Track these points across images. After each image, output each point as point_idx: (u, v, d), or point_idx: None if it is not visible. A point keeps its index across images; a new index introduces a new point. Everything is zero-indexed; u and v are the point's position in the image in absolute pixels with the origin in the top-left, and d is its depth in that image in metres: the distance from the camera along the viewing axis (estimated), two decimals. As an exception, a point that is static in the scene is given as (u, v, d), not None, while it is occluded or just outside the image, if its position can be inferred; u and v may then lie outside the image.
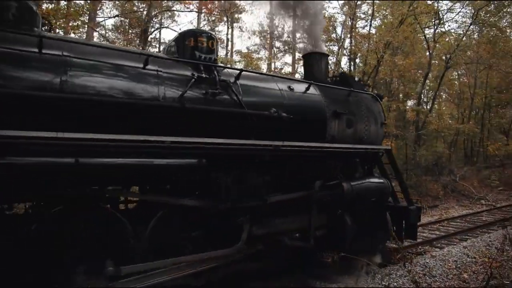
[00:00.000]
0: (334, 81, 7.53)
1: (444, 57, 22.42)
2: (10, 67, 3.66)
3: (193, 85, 4.82)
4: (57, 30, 12.16)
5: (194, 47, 5.35)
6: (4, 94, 3.46)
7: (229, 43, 23.15)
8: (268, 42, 23.63)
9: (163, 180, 4.93)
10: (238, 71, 5.46)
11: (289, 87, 5.99)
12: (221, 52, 22.83)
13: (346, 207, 6.27)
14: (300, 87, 6.19)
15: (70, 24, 13.02)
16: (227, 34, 22.62)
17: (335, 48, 20.43)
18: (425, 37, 21.22)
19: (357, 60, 20.84)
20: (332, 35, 19.99)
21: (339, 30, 21.17)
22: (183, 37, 5.47)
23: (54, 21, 10.99)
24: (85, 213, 4.15)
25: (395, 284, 6.03)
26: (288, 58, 24.90)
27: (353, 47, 19.39)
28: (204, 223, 5.03)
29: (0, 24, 3.86)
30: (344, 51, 20.70)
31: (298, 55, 21.82)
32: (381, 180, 6.83)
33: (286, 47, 23.27)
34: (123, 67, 4.41)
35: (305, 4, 7.71)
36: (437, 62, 23.25)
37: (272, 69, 22.01)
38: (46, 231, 3.87)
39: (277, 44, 24.30)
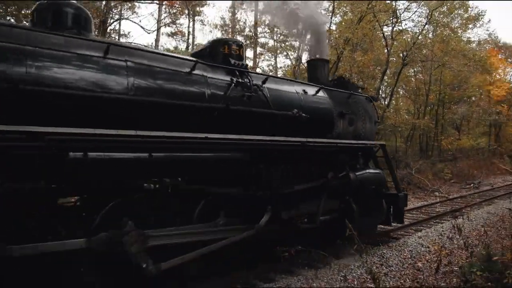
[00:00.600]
0: (333, 84, 8.29)
1: (401, 55, 23.07)
2: (80, 69, 4.15)
3: (232, 89, 5.62)
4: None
5: (228, 54, 6.15)
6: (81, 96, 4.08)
7: (190, 36, 22.84)
8: (230, 36, 23.47)
9: (214, 172, 5.38)
10: (266, 76, 6.51)
11: (303, 90, 6.92)
12: (182, 46, 22.46)
13: (352, 194, 7.23)
14: (311, 90, 7.13)
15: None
16: (188, 27, 22.31)
17: (296, 44, 20.58)
18: (383, 34, 21.75)
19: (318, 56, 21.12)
20: (293, 30, 20.10)
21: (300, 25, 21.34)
22: (217, 44, 6.27)
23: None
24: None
25: (354, 274, 6.15)
26: (249, 53, 24.85)
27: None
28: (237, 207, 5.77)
29: (60, 30, 4.37)
30: (306, 47, 20.90)
31: (260, 49, 21.85)
32: (378, 171, 8.02)
33: (248, 42, 23.20)
34: (178, 72, 5.09)
35: (310, 19, 8.65)
36: (394, 59, 23.88)
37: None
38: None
39: (239, 38, 24.21)
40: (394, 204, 8.14)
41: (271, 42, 22.92)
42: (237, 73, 5.94)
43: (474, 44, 29.70)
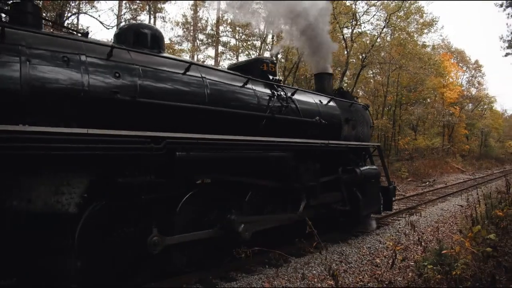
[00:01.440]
0: (335, 94, 9.61)
1: (360, 56, 23.59)
2: (174, 84, 5.39)
3: (274, 100, 6.95)
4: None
5: (266, 71, 7.56)
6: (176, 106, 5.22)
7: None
8: (191, 34, 23.19)
9: (270, 168, 6.66)
10: (294, 89, 7.82)
11: (319, 100, 8.35)
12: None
13: (357, 186, 8.48)
14: (324, 100, 8.52)
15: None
16: (149, 23, 21.83)
17: (258, 43, 20.62)
18: (343, 36, 22.18)
19: (279, 56, 21.24)
20: (255, 30, 20.14)
21: (262, 25, 21.42)
22: (256, 62, 7.72)
23: None
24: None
25: (314, 272, 6.20)
26: (211, 51, 24.63)
27: (275, 43, 19.73)
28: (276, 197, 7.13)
29: (141, 49, 5.45)
30: (267, 47, 20.98)
31: (221, 48, 21.71)
32: (375, 167, 9.51)
33: (210, 40, 23.01)
34: (235, 86, 6.35)
35: (316, 33, 9.79)
36: (354, 60, 24.41)
37: (195, 61, 21.71)
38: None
39: (201, 36, 23.98)
40: (385, 195, 9.61)
41: (233, 41, 22.87)
42: (275, 87, 7.31)
43: (429, 48, 30.79)
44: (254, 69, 7.40)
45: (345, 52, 22.41)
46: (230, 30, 21.34)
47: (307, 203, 7.44)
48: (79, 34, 5.33)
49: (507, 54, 33.88)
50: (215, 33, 21.91)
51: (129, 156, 4.62)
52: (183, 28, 23.97)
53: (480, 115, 46.99)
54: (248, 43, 20.15)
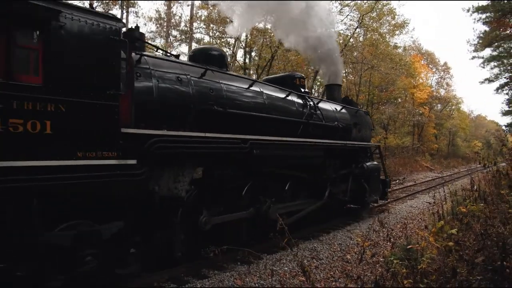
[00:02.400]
0: (343, 101, 11.37)
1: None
2: (242, 97, 7.04)
3: (307, 109, 8.68)
4: None
5: (299, 85, 9.39)
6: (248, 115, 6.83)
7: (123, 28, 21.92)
8: (164, 30, 22.86)
9: (304, 162, 8.35)
10: (319, 100, 9.76)
11: (335, 108, 10.19)
12: (115, 38, 21.53)
13: (364, 178, 10.42)
14: (338, 107, 10.40)
15: None
16: (121, 18, 21.38)
17: (232, 40, 20.55)
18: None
19: (253, 54, 21.25)
20: (229, 27, 20.06)
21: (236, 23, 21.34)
22: (290, 77, 9.56)
23: None
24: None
25: (286, 268, 6.25)
26: (184, 48, 24.34)
27: (249, 40, 19.71)
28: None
29: (211, 67, 6.57)
30: (241, 44, 20.94)
31: (194, 45, 21.49)
32: (376, 163, 11.40)
33: (183, 36, 22.76)
34: (280, 98, 8.05)
35: (327, 48, 11.71)
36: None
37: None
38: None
39: (174, 32, 23.67)
40: (383, 186, 11.45)
41: (206, 38, 22.71)
42: (306, 98, 8.99)
43: (400, 50, 31.47)
44: (288, 82, 9.14)
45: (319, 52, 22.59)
46: (204, 27, 21.19)
47: (330, 191, 9.30)
48: (173, 56, 6.79)
49: (473, 57, 34.99)
50: (188, 29, 21.71)
51: (224, 153, 6.13)
52: (156, 24, 23.65)
53: (448, 116, 48.39)
54: (222, 40, 20.04)
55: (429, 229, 4.73)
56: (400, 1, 47.61)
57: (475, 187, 6.11)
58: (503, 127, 34.73)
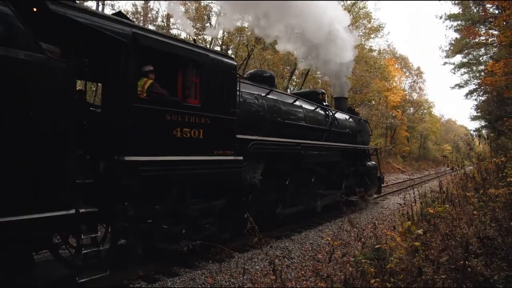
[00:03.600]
0: (347, 110, 13.64)
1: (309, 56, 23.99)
2: (292, 109, 9.43)
3: (328, 119, 11.00)
4: None
5: (321, 99, 11.67)
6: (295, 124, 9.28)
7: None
8: (141, 24, 22.48)
9: (328, 161, 10.53)
10: (335, 111, 11.99)
11: (345, 117, 12.50)
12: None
13: (366, 175, 12.91)
14: (347, 117, 12.79)
15: None
16: (96, 9, 20.90)
17: (209, 38, 20.44)
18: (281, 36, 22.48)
19: (229, 52, 21.17)
20: (206, 25, 19.94)
21: (213, 20, 21.27)
22: (314, 92, 11.91)
23: None
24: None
25: (257, 267, 6.26)
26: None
27: (225, 38, 19.64)
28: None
29: (267, 85, 8.94)
30: (217, 42, 20.84)
31: (172, 41, 21.19)
32: (374, 163, 13.86)
33: (160, 32, 22.42)
34: (312, 110, 10.50)
35: (341, 66, 13.86)
36: (303, 60, 24.83)
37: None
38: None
39: (151, 27, 23.26)
40: (378, 182, 13.93)
41: (183, 34, 22.48)
42: (327, 109, 11.35)
43: (375, 53, 31.98)
44: (313, 97, 11.40)
45: (295, 52, 22.73)
46: (181, 23, 20.96)
47: (345, 184, 11.69)
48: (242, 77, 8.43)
49: (445, 63, 35.91)
50: (165, 25, 21.44)
51: (285, 153, 8.33)
52: (133, 18, 23.25)
53: (420, 119, 49.48)
54: (199, 37, 19.87)
55: (397, 229, 4.83)
56: (378, 0, 48.46)
57: (443, 189, 6.27)
58: (472, 132, 35.80)
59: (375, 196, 14.60)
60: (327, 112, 11.13)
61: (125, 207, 4.92)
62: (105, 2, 21.43)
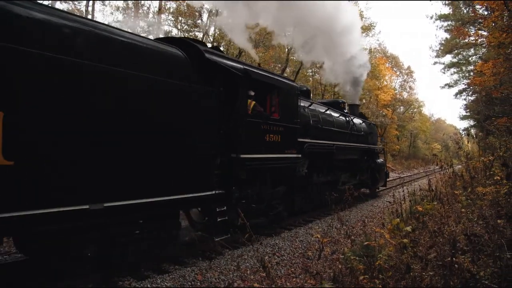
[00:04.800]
0: (359, 115, 15.58)
1: (300, 55, 24.03)
2: (326, 117, 11.42)
3: (349, 123, 12.95)
4: None
5: (343, 107, 13.68)
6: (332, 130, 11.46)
7: (89, 16, 21.22)
8: (132, 20, 22.26)
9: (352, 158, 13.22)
10: (353, 116, 14.03)
11: (360, 122, 14.36)
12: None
13: (376, 170, 14.97)
14: (361, 121, 14.71)
15: None
16: (87, 6, 20.70)
17: (200, 35, 20.35)
18: (285, 34, 22.50)
19: (221, 49, 21.11)
20: (198, 22, 19.87)
21: (205, 16, 21.19)
22: (337, 101, 13.97)
23: None
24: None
25: (247, 264, 6.27)
26: (152, 40, 23.71)
27: (217, 35, 19.57)
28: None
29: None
30: (209, 38, 20.77)
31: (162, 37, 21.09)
32: (382, 160, 16.41)
33: (151, 28, 22.23)
34: (338, 117, 12.50)
35: (352, 73, 16.29)
36: (294, 58, 24.87)
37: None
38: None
39: (142, 23, 23.07)
40: (385, 177, 16.49)
41: (174, 31, 22.34)
42: (347, 115, 13.39)
43: (366, 52, 32.08)
44: (336, 105, 13.35)
45: (286, 50, 22.78)
46: (173, 19, 20.87)
47: (359, 177, 13.88)
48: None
49: (435, 63, 36.20)
50: (156, 21, 21.30)
51: (323, 152, 10.55)
52: (123, 14, 23.08)
53: (410, 118, 49.85)
54: (191, 34, 19.79)
55: (386, 226, 4.87)
56: (369, 0, 48.66)
57: (432, 187, 6.34)
58: (460, 131, 36.15)
59: (382, 188, 17.00)
60: (347, 118, 13.24)
61: (233, 191, 6.94)
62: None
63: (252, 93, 7.31)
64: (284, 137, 8.03)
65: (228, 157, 6.71)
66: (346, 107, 14.49)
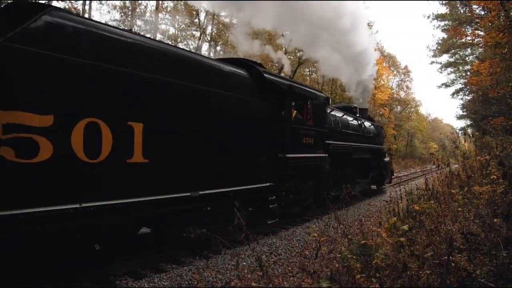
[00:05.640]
0: (368, 118, 16.90)
1: (298, 54, 24.07)
2: (346, 121, 13.38)
3: (361, 126, 14.58)
4: None
5: (356, 112, 15.55)
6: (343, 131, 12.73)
7: (86, 14, 21.15)
8: (129, 19, 22.21)
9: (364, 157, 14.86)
10: (364, 120, 15.45)
11: (369, 124, 15.65)
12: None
13: (383, 168, 16.28)
14: (369, 124, 15.94)
15: None
16: (83, 4, 20.62)
17: (197, 34, 20.32)
18: (282, 34, 22.53)
19: (218, 48, 21.10)
20: (195, 20, 19.83)
21: (202, 16, 21.14)
22: (351, 108, 15.34)
23: None
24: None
25: (244, 263, 6.27)
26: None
27: (214, 34, 19.54)
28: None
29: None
30: (206, 37, 20.75)
31: (160, 36, 21.06)
32: (388, 159, 17.70)
33: (148, 27, 22.20)
34: (352, 120, 14.06)
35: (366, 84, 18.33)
36: (292, 57, 24.87)
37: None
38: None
39: (139, 22, 23.05)
40: (391, 174, 18.32)
41: (172, 30, 22.33)
42: (359, 119, 14.75)
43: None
44: (349, 110, 14.82)
45: (283, 49, 22.76)
46: (170, 18, 20.83)
47: (371, 173, 15.40)
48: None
49: (432, 62, 36.28)
50: (153, 20, 21.25)
51: (343, 152, 11.92)
52: (120, 12, 22.98)
53: (407, 117, 49.93)
54: (188, 32, 19.78)
55: (383, 225, 4.88)
56: (367, 0, 48.66)
57: (429, 187, 6.35)
58: (457, 131, 36.23)
59: (388, 184, 18.26)
60: (359, 122, 14.70)
61: (279, 184, 8.45)
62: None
63: (294, 103, 8.87)
64: (316, 140, 9.67)
65: (275, 156, 8.17)
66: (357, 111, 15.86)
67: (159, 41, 6.28)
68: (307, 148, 9.26)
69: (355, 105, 16.44)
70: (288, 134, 8.37)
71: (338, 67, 16.79)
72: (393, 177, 25.12)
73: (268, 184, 7.87)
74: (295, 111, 8.91)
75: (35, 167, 3.86)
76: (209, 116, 6.17)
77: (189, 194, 5.68)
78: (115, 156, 4.63)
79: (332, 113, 12.00)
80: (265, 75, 8.05)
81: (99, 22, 5.17)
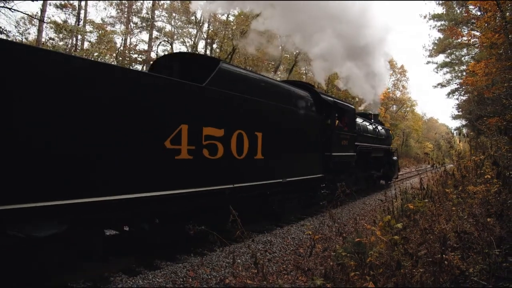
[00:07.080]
0: (377, 122, 18.93)
1: (294, 53, 24.06)
2: (363, 126, 15.78)
3: (376, 130, 17.31)
4: None
5: (371, 117, 18.39)
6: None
7: (82, 11, 21.07)
8: (125, 16, 22.12)
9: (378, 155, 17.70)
10: (376, 124, 18.11)
11: (380, 128, 18.11)
12: (72, 20, 20.68)
13: (392, 165, 19.24)
14: (381, 127, 18.50)
15: None
16: (80, 0, 20.50)
17: (194, 31, 20.27)
18: (279, 36, 22.52)
19: (214, 46, 21.04)
20: (191, 18, 19.77)
21: (199, 13, 21.08)
22: (367, 114, 18.58)
23: None
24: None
25: (239, 261, 6.27)
26: (145, 36, 23.64)
27: (210, 32, 19.49)
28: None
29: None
30: (203, 35, 20.70)
31: (155, 33, 21.00)
32: (395, 157, 20.21)
33: (144, 24, 22.12)
34: (368, 125, 16.41)
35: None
36: (288, 56, 24.87)
37: (127, 44, 20.72)
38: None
39: (135, 19, 22.97)
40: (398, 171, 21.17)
41: (168, 27, 22.25)
42: (374, 123, 17.42)
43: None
44: (366, 116, 17.43)
45: (280, 47, 22.76)
46: (166, 15, 20.75)
47: (383, 170, 17.94)
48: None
49: (428, 62, 36.38)
50: (150, 17, 21.17)
51: (365, 151, 14.81)
52: (117, 9, 22.88)
53: (403, 117, 50.07)
54: (184, 30, 19.72)
55: (377, 223, 4.90)
56: (365, 0, 48.54)
57: (423, 186, 6.38)
58: (452, 130, 36.38)
59: (394, 179, 20.29)
60: (374, 126, 17.08)
61: (326, 176, 10.92)
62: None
63: (336, 114, 11.52)
64: (349, 142, 12.14)
65: (323, 155, 10.68)
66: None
67: (266, 76, 9.05)
68: (344, 148, 11.75)
69: (370, 112, 19.64)
70: (333, 138, 10.98)
71: (359, 83, 19.90)
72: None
73: (320, 175, 10.54)
74: (337, 120, 11.65)
75: (217, 161, 6.34)
76: (290, 127, 8.80)
77: (281, 180, 8.44)
78: (249, 154, 7.18)
79: (356, 119, 14.22)
80: (321, 95, 10.85)
81: (238, 66, 8.21)
